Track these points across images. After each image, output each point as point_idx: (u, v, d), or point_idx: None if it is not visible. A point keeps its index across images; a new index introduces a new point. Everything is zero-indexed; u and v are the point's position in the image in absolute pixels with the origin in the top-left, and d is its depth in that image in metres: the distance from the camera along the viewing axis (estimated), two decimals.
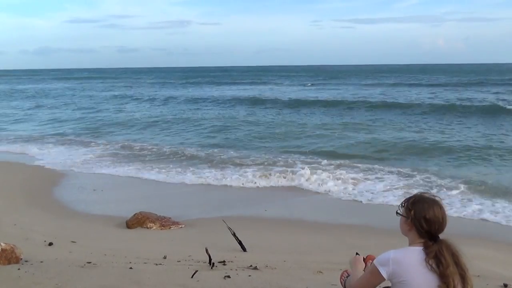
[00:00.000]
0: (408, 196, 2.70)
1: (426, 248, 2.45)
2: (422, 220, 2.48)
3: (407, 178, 11.50)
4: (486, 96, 33.04)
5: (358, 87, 47.95)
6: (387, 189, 10.54)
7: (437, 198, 2.58)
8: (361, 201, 9.80)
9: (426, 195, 2.59)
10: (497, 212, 8.73)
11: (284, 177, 11.68)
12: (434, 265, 2.41)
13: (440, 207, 2.52)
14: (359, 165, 12.92)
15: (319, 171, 12.04)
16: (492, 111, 23.91)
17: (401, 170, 12.20)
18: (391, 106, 27.84)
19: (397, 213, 2.64)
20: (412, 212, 2.52)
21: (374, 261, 2.57)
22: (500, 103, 26.91)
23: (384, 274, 2.48)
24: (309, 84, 55.09)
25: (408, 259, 2.46)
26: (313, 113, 26.58)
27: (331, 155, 14.54)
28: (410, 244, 2.55)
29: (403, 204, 2.61)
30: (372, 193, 10.30)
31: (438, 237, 2.50)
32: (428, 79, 59.81)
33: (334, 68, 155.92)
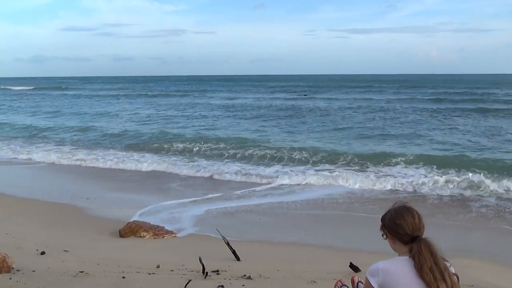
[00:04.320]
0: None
1: (410, 252, 2.50)
2: (394, 226, 2.58)
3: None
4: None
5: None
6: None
7: (405, 203, 2.68)
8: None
9: (395, 205, 2.69)
10: None
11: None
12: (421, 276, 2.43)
13: (408, 209, 2.61)
14: None
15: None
16: None
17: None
18: None
19: (382, 236, 2.71)
20: (383, 224, 2.65)
21: (366, 273, 2.60)
22: None
23: (374, 284, 2.51)
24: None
25: (397, 268, 2.50)
26: None
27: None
28: (399, 255, 2.60)
29: (380, 225, 2.70)
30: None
31: (419, 236, 2.56)
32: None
33: (324, 77, 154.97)
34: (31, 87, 79.23)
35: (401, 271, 2.47)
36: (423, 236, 2.56)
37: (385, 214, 2.68)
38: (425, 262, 2.43)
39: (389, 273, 2.48)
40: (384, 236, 2.67)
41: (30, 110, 36.66)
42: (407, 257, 2.51)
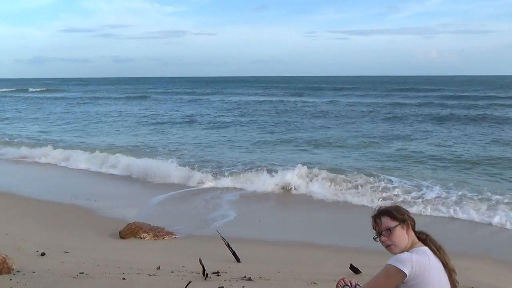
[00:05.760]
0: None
1: (427, 241, 2.75)
2: (410, 215, 2.84)
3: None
4: None
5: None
6: None
7: None
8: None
9: (384, 205, 2.95)
10: None
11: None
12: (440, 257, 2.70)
13: None
14: None
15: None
16: None
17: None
18: None
19: (382, 233, 2.78)
20: (406, 213, 2.84)
21: (391, 262, 2.62)
22: None
23: (406, 271, 2.55)
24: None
25: (430, 260, 2.63)
26: None
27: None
28: (412, 245, 2.72)
29: (393, 216, 2.79)
30: None
31: None
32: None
33: (321, 79, 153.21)
34: (12, 89, 77.62)
35: (430, 262, 2.61)
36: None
37: (397, 208, 2.87)
38: (441, 251, 2.73)
39: (426, 266, 2.58)
40: (393, 227, 2.74)
41: None
42: (427, 248, 2.69)
